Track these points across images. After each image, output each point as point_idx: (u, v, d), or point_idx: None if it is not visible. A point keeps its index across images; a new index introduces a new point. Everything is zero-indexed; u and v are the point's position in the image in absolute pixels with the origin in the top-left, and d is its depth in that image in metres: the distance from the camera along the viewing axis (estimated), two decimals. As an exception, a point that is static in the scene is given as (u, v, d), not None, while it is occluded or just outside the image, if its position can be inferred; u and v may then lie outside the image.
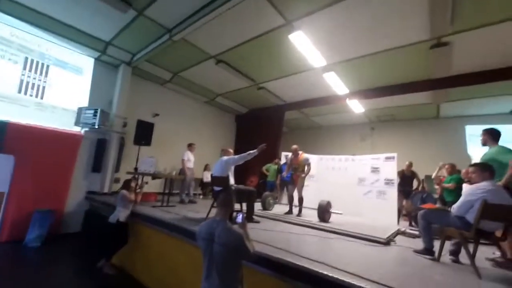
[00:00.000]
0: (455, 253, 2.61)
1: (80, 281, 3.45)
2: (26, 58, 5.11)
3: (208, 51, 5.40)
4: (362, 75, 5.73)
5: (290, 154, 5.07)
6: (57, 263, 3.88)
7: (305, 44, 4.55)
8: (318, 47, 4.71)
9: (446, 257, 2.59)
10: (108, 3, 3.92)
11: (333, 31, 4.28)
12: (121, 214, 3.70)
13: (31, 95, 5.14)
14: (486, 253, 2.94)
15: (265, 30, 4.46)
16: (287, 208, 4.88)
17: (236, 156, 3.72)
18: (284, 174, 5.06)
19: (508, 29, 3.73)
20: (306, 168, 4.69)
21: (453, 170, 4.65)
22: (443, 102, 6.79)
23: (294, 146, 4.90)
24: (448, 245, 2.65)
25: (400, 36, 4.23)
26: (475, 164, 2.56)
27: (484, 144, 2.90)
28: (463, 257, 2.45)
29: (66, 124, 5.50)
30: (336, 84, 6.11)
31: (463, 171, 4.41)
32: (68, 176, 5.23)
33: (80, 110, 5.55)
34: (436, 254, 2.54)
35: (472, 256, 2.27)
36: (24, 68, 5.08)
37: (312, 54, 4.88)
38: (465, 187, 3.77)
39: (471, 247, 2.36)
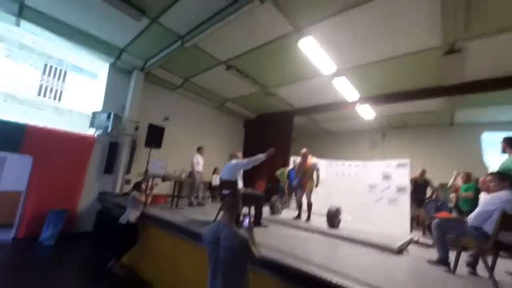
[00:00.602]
0: (472, 264, 2.50)
1: (90, 280, 3.52)
2: (46, 64, 5.37)
3: (218, 57, 5.49)
4: (374, 81, 5.66)
5: (298, 159, 5.03)
6: (69, 262, 3.98)
7: (315, 50, 4.55)
8: (329, 53, 4.69)
9: (462, 269, 2.48)
10: (122, 11, 4.07)
11: (343, 37, 4.26)
12: (131, 215, 3.77)
13: (49, 98, 5.38)
14: (506, 265, 2.79)
15: (274, 37, 4.49)
16: (295, 213, 4.83)
17: (245, 161, 3.74)
18: (294, 182, 5.00)
19: (526, 33, 3.61)
20: (315, 174, 4.64)
21: (468, 178, 4.48)
22: (457, 108, 6.59)
23: (304, 150, 4.85)
24: (464, 256, 2.54)
25: (413, 42, 4.16)
26: (493, 173, 2.47)
27: (503, 151, 2.78)
28: (481, 269, 2.34)
29: (81, 127, 5.71)
30: (346, 89, 6.06)
31: (480, 179, 4.24)
32: (82, 177, 5.39)
33: (94, 114, 5.75)
34: (452, 265, 2.44)
35: (490, 269, 2.16)
36: (44, 73, 5.34)
37: (322, 60, 4.86)
38: (483, 196, 3.62)
39: (489, 259, 2.26)
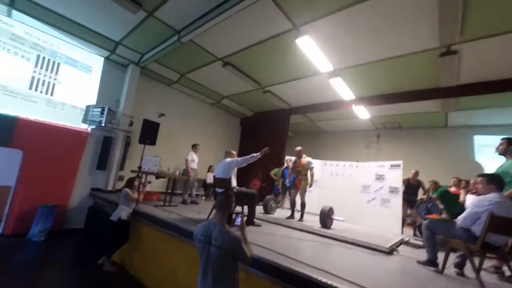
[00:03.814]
0: (460, 265, 2.54)
1: (80, 277, 3.47)
2: (38, 56, 5.24)
3: (215, 54, 5.44)
4: (369, 81, 5.68)
5: (292, 158, 5.04)
6: (59, 258, 3.93)
7: (312, 49, 4.54)
8: (325, 53, 4.70)
9: (450, 269, 2.52)
10: (119, 3, 3.99)
11: (340, 37, 4.26)
12: (123, 212, 3.73)
13: (41, 92, 5.26)
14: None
15: (272, 34, 4.47)
16: (289, 213, 4.84)
17: (239, 159, 3.72)
18: (287, 181, 5.01)
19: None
20: (309, 173, 4.63)
21: (436, 186, 4.85)
22: (451, 111, 6.68)
23: (298, 148, 4.86)
24: (452, 257, 2.58)
25: (409, 43, 4.18)
26: (482, 175, 2.50)
27: (501, 153, 2.73)
28: (469, 270, 2.38)
29: (74, 121, 5.61)
30: (342, 89, 6.07)
31: (472, 181, 4.31)
32: (74, 172, 5.31)
33: (88, 108, 5.65)
34: (440, 265, 2.47)
35: (477, 270, 2.20)
36: (36, 65, 5.21)
37: (319, 59, 4.86)
38: (470, 198, 3.68)
39: (476, 260, 2.30)
